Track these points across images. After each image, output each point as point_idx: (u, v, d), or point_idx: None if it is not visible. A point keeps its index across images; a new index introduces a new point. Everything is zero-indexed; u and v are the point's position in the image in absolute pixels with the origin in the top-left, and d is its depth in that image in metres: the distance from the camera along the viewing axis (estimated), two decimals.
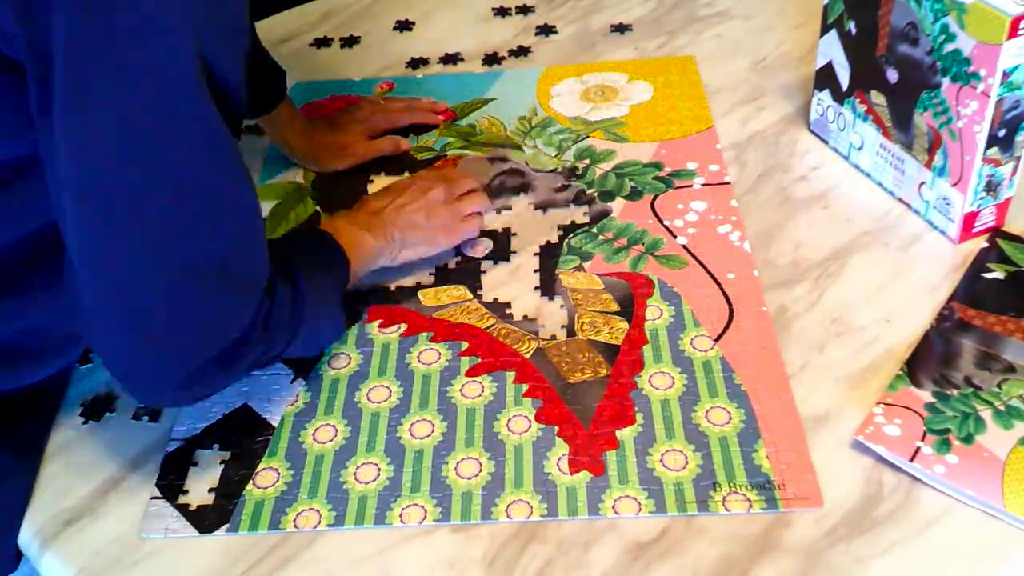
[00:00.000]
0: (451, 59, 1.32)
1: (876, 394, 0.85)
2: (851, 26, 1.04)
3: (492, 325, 0.95)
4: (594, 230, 1.05)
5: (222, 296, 0.75)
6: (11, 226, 0.76)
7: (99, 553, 0.80)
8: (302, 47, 1.38)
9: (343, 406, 0.89)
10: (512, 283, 1.00)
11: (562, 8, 1.41)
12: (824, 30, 1.08)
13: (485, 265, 1.02)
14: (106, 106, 0.66)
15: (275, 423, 0.88)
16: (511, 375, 0.90)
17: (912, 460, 0.79)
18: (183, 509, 0.82)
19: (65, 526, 0.82)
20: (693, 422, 0.85)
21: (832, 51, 1.08)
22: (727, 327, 0.93)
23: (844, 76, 1.07)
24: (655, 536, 0.78)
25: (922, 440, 0.80)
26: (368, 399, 0.89)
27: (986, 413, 0.82)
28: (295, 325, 0.82)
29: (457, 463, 0.84)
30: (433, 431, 0.86)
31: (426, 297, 0.99)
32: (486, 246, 1.04)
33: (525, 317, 0.96)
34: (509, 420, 0.87)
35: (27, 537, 0.82)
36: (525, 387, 0.89)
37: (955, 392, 0.84)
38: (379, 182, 1.13)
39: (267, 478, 0.84)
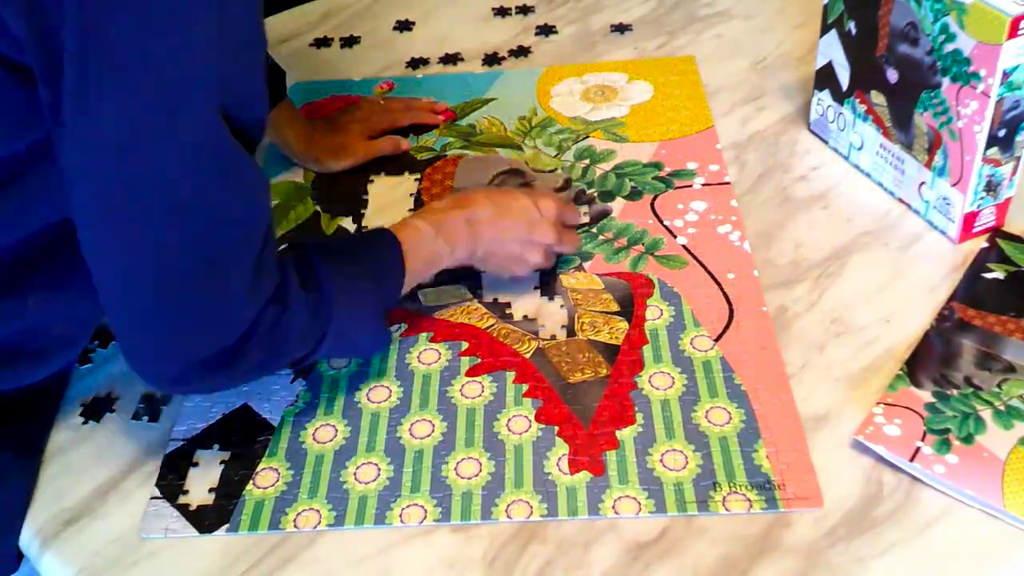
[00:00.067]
0: (451, 59, 1.32)
1: (876, 394, 0.85)
2: (851, 26, 1.04)
3: (492, 325, 0.95)
4: (594, 230, 1.05)
5: (214, 302, 0.75)
6: (12, 226, 0.76)
7: (99, 553, 0.80)
8: (302, 47, 1.38)
9: (343, 406, 0.89)
10: (512, 283, 1.00)
11: (562, 8, 1.41)
12: (824, 30, 1.08)
13: None
14: (113, 110, 0.67)
15: (275, 423, 0.88)
16: (511, 375, 0.90)
17: (912, 460, 0.79)
18: (183, 509, 0.82)
19: (65, 526, 0.82)
20: (693, 422, 0.85)
21: (832, 51, 1.08)
22: (727, 327, 0.93)
23: (844, 76, 1.07)
24: (655, 536, 0.78)
25: (922, 440, 0.80)
26: (368, 399, 0.89)
27: (986, 413, 0.82)
28: (318, 333, 0.81)
29: (457, 463, 0.84)
30: (433, 431, 0.86)
31: (426, 297, 0.99)
32: None
33: (525, 317, 0.96)
34: (509, 420, 0.87)
35: (27, 537, 0.82)
36: (525, 387, 0.89)
37: (955, 392, 0.84)
38: (379, 182, 1.13)
39: (267, 478, 0.84)
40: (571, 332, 0.94)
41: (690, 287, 0.97)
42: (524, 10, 1.41)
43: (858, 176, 1.09)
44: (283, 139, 1.14)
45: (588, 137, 1.17)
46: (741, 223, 1.03)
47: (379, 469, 0.84)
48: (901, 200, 1.05)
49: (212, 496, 0.83)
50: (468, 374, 0.91)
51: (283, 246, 0.86)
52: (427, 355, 0.93)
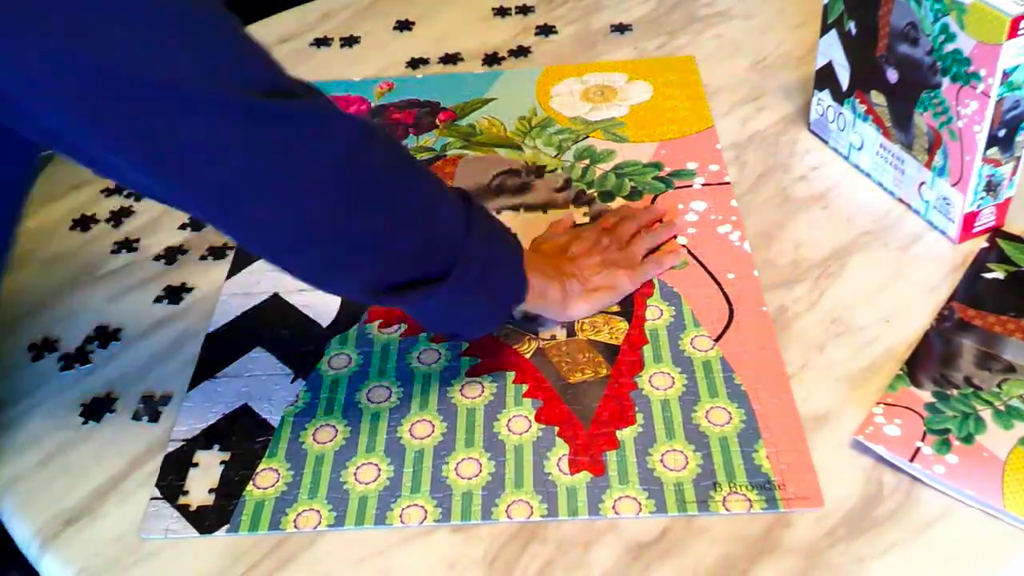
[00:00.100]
0: (451, 59, 1.32)
1: (876, 394, 0.85)
2: (851, 26, 1.04)
3: None
4: None
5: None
6: None
7: (99, 553, 0.80)
8: (302, 47, 1.38)
9: (343, 406, 0.89)
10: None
11: (562, 8, 1.41)
12: (824, 30, 1.08)
13: None
14: None
15: (275, 423, 0.88)
16: (511, 375, 0.90)
17: (912, 460, 0.79)
18: (183, 510, 0.82)
19: (65, 526, 0.82)
20: (693, 422, 0.85)
21: (832, 51, 1.08)
22: (727, 327, 0.93)
23: (844, 76, 1.07)
24: (655, 536, 0.78)
25: (922, 440, 0.80)
26: (368, 399, 0.89)
27: (986, 413, 0.82)
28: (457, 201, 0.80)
29: (457, 463, 0.84)
30: (433, 431, 0.86)
31: None
32: None
33: (525, 317, 0.96)
34: (509, 420, 0.87)
35: (27, 537, 0.82)
36: (525, 387, 0.89)
37: (955, 392, 0.84)
38: None
39: (267, 478, 0.84)
40: (571, 332, 0.94)
41: (690, 287, 0.97)
42: (524, 10, 1.41)
43: (858, 176, 1.09)
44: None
45: (588, 137, 1.17)
46: (741, 223, 1.03)
47: (379, 469, 0.84)
48: (901, 200, 1.05)
49: (212, 497, 0.83)
50: (468, 374, 0.91)
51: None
52: (427, 355, 0.93)
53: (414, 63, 1.33)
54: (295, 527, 0.80)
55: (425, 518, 0.80)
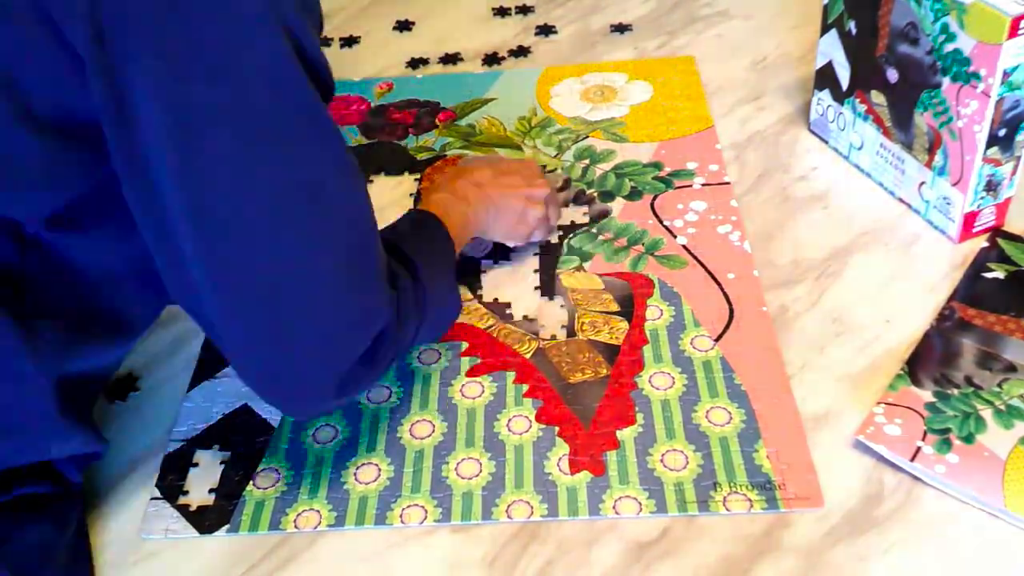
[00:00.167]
0: (451, 59, 1.32)
1: (876, 394, 0.85)
2: (851, 26, 1.04)
3: (492, 325, 0.95)
4: (594, 230, 1.05)
5: (356, 301, 0.73)
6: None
7: (99, 553, 0.80)
8: None
9: (343, 407, 0.89)
10: (512, 283, 1.00)
11: (562, 8, 1.41)
12: (824, 30, 1.08)
13: (485, 265, 1.02)
14: (218, 126, 0.65)
15: (275, 423, 0.88)
16: (511, 375, 0.90)
17: (913, 460, 0.79)
18: (183, 510, 0.82)
19: None
20: (693, 422, 0.85)
21: (832, 51, 1.08)
22: (727, 327, 0.93)
23: (844, 76, 1.07)
24: (656, 536, 0.78)
25: (923, 440, 0.80)
26: (368, 399, 0.89)
27: (987, 412, 0.82)
28: (420, 314, 0.81)
29: (457, 463, 0.84)
30: (433, 431, 0.86)
31: None
32: (486, 246, 1.03)
33: (525, 317, 0.96)
34: (509, 420, 0.87)
35: None
36: (525, 387, 0.89)
37: (956, 392, 0.83)
38: (379, 182, 1.13)
39: (267, 478, 0.84)
40: (571, 332, 0.94)
41: (690, 287, 0.97)
42: (524, 10, 1.41)
43: (858, 176, 1.09)
44: None
45: (588, 137, 1.17)
46: (741, 223, 1.03)
47: (379, 469, 0.84)
48: (901, 200, 1.05)
49: (212, 496, 0.83)
50: (468, 374, 0.91)
51: None
52: (427, 355, 0.93)
53: (414, 63, 1.33)
54: (295, 527, 0.80)
55: (425, 518, 0.80)
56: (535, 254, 1.03)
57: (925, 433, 0.81)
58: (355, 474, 0.83)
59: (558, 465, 0.83)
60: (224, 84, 0.65)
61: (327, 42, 1.38)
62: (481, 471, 0.83)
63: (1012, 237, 0.99)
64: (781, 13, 1.35)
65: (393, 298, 0.76)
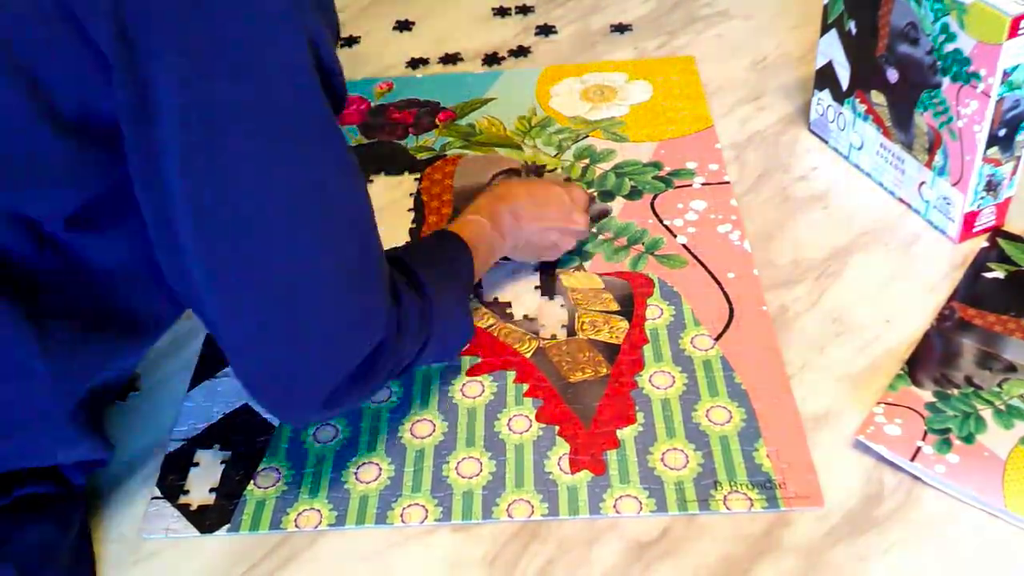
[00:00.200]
0: (451, 59, 1.32)
1: (876, 394, 0.85)
2: (851, 26, 1.04)
3: (492, 324, 0.95)
4: (594, 229, 1.05)
5: (356, 305, 0.73)
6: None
7: (99, 553, 0.80)
8: None
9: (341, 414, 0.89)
10: (512, 282, 1.00)
11: (562, 8, 1.41)
12: (824, 30, 1.08)
13: None
14: (242, 123, 0.65)
15: (276, 423, 0.88)
16: (511, 375, 0.90)
17: (913, 460, 0.79)
18: (184, 509, 0.82)
19: None
20: (694, 421, 0.85)
21: (832, 51, 1.08)
22: (727, 326, 0.93)
23: (844, 76, 1.07)
24: (656, 535, 0.78)
25: (923, 440, 0.80)
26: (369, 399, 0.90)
27: (987, 412, 0.82)
28: (424, 334, 0.80)
29: (458, 463, 0.84)
30: (434, 431, 0.86)
31: None
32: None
33: (525, 317, 0.96)
34: (510, 420, 0.87)
35: None
36: (526, 387, 0.89)
37: (956, 392, 0.84)
38: (379, 181, 1.13)
39: (268, 478, 0.84)
40: (571, 331, 0.94)
41: (690, 286, 0.97)
42: (524, 10, 1.41)
43: (858, 176, 1.09)
44: None
45: (588, 137, 1.17)
46: (741, 222, 1.03)
47: (380, 469, 0.84)
48: (901, 200, 1.05)
49: (213, 496, 0.83)
50: (469, 374, 0.91)
51: None
52: None
53: (414, 63, 1.33)
54: (296, 526, 0.80)
55: (426, 517, 0.80)
56: None
57: (925, 433, 0.81)
58: (356, 473, 0.84)
59: (558, 464, 0.83)
60: (248, 81, 0.65)
61: None
62: (482, 470, 0.83)
63: (1012, 237, 0.99)
64: (781, 13, 1.36)
65: (394, 310, 0.75)
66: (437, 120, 1.22)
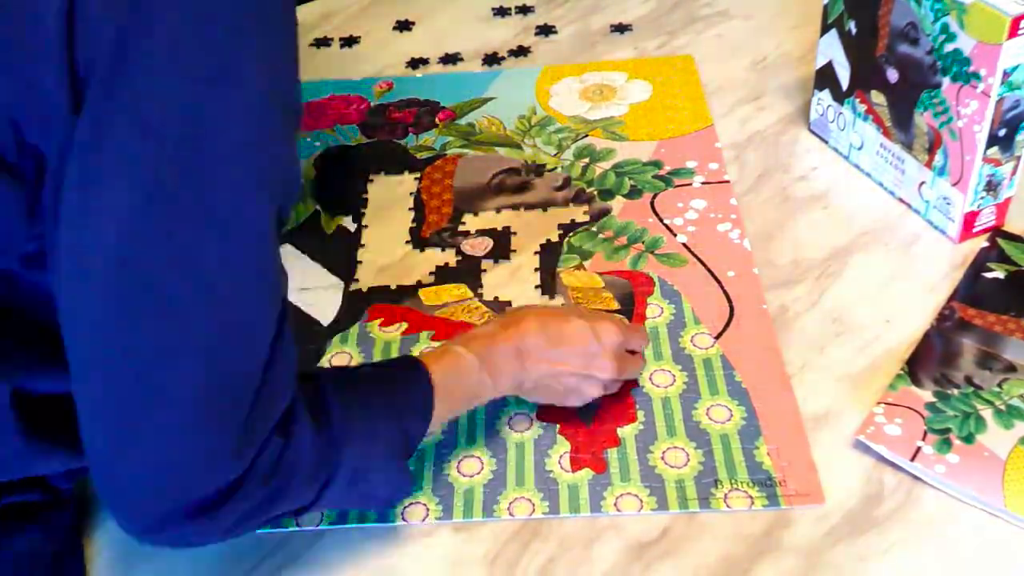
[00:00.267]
0: (451, 59, 1.32)
1: (877, 394, 0.85)
2: (851, 26, 1.04)
3: None
4: (594, 228, 1.05)
5: (203, 437, 0.62)
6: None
7: (97, 554, 0.80)
8: (302, 47, 1.37)
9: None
10: (512, 282, 1.00)
11: (562, 8, 1.41)
12: (824, 30, 1.08)
13: (485, 264, 1.02)
14: (127, 188, 0.59)
15: None
16: None
17: (913, 460, 0.79)
18: None
19: None
20: (694, 419, 0.85)
21: (832, 51, 1.08)
22: (727, 325, 0.93)
23: (844, 76, 1.07)
24: (657, 534, 0.78)
25: (923, 440, 0.80)
26: None
27: (987, 412, 0.82)
28: (323, 476, 0.69)
29: (459, 461, 0.84)
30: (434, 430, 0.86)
31: (427, 296, 0.99)
32: (486, 245, 1.04)
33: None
34: (510, 418, 0.87)
35: None
36: None
37: (956, 392, 0.84)
38: (379, 181, 1.13)
39: None
40: None
41: (690, 285, 0.97)
42: (524, 10, 1.41)
43: (858, 176, 1.09)
44: None
45: (587, 136, 1.17)
46: (741, 221, 1.03)
47: None
48: (901, 200, 1.05)
49: None
50: None
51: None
52: None
53: (414, 63, 1.33)
54: (297, 526, 0.80)
55: (427, 516, 0.80)
56: (535, 253, 1.03)
57: (925, 433, 0.81)
58: None
59: (559, 463, 0.83)
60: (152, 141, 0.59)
61: (327, 42, 1.38)
62: (482, 469, 0.83)
63: (1012, 237, 0.99)
64: (781, 13, 1.36)
65: (269, 450, 0.64)
66: (437, 119, 1.22)
